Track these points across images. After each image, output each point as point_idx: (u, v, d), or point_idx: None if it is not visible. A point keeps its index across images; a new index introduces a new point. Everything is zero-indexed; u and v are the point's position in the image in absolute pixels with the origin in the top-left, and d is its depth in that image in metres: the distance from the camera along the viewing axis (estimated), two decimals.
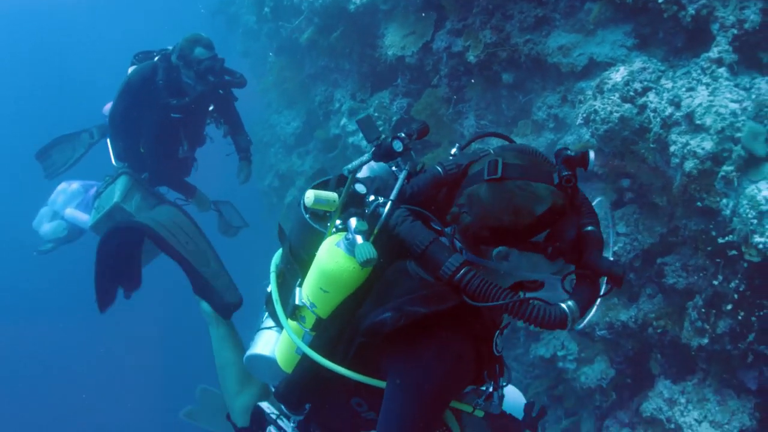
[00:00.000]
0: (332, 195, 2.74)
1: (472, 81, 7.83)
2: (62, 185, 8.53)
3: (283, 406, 3.34)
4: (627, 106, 5.89)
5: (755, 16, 5.42)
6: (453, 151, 2.90)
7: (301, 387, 3.04)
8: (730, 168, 5.24)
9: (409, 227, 2.52)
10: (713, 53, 5.64)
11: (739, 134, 5.23)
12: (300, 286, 2.84)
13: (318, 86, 11.14)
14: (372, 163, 3.17)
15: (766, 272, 5.24)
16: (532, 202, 2.34)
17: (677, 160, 5.50)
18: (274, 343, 3.24)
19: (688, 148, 5.41)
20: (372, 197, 2.69)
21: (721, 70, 5.59)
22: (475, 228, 2.44)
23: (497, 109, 7.84)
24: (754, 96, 5.33)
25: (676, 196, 5.66)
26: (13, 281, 20.88)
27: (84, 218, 8.05)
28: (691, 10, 5.72)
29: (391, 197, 2.64)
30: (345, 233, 2.62)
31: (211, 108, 7.83)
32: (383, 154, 2.86)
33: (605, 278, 2.52)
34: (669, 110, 5.66)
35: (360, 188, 2.73)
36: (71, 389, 20.81)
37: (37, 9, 28.52)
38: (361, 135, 9.06)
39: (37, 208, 8.81)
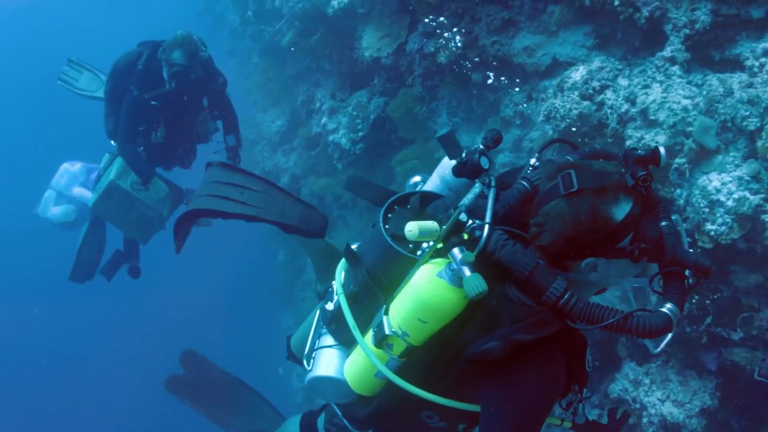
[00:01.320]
0: (434, 226, 2.52)
1: (445, 80, 7.91)
2: (65, 165, 8.59)
3: (346, 422, 3.31)
4: (586, 103, 6.03)
5: (705, 17, 5.55)
6: (532, 161, 2.78)
7: (382, 411, 2.97)
8: (683, 160, 5.37)
9: (510, 252, 2.40)
10: (667, 52, 5.76)
11: (690, 128, 5.36)
12: (387, 313, 2.65)
13: (300, 86, 11.22)
14: (439, 176, 3.18)
15: (718, 258, 5.35)
16: (612, 208, 2.31)
17: (641, 152, 5.61)
18: (337, 363, 3.10)
19: (643, 142, 5.55)
20: (469, 221, 2.51)
21: (675, 68, 5.71)
22: (560, 245, 2.38)
23: (468, 107, 7.96)
24: (705, 92, 5.45)
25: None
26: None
27: (89, 198, 8.09)
28: (645, 12, 5.85)
29: (487, 220, 2.48)
30: (447, 263, 2.45)
31: (206, 104, 7.88)
32: (469, 171, 2.73)
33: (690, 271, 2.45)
34: (625, 107, 5.80)
35: (463, 217, 2.51)
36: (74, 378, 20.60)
37: (24, 7, 28.28)
38: (341, 132, 9.18)
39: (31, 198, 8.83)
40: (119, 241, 8.55)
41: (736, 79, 5.37)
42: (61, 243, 9.79)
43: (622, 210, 2.30)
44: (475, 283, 2.30)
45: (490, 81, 7.26)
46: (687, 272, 2.44)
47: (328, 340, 3.16)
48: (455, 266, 2.39)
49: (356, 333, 2.81)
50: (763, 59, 5.27)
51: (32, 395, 20.46)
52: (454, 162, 2.84)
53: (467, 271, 2.34)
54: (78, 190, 8.59)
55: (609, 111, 5.92)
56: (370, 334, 2.74)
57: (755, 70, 5.29)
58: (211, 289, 21.03)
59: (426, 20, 7.82)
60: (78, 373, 20.57)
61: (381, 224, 2.86)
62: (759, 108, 5.12)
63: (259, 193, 3.72)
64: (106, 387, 20.24)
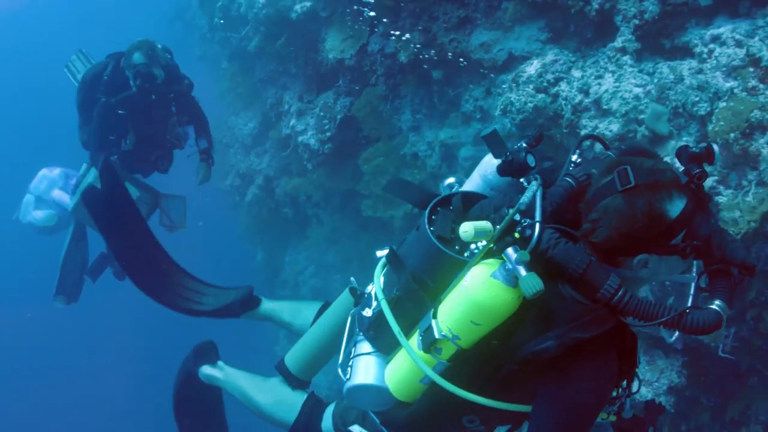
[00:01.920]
0: (488, 226, 2.47)
1: (407, 78, 7.89)
2: (43, 171, 8.58)
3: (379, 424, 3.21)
4: (541, 96, 6.02)
5: (654, 7, 5.54)
6: (574, 158, 2.73)
7: (422, 415, 2.90)
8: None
9: (563, 250, 2.36)
10: (617, 43, 5.76)
11: (642, 116, 5.36)
12: (435, 317, 2.59)
13: (269, 89, 11.16)
14: (480, 176, 3.16)
15: None
16: (667, 205, 2.27)
17: (588, 143, 5.61)
18: (377, 370, 3.02)
19: (598, 131, 5.56)
20: (517, 214, 2.45)
21: (626, 58, 5.71)
22: (614, 240, 2.35)
23: (430, 104, 7.94)
24: (656, 80, 5.44)
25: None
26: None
27: (69, 203, 8.12)
28: (595, 5, 5.85)
29: (537, 218, 2.42)
30: (500, 263, 2.40)
31: (174, 110, 7.84)
32: (516, 169, 2.71)
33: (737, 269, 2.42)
34: (579, 97, 5.80)
35: (516, 216, 2.45)
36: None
37: None
38: (310, 133, 9.13)
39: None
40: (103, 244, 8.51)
41: (686, 66, 5.38)
42: (41, 248, 9.74)
43: (676, 207, 2.28)
44: (532, 282, 2.26)
45: (463, 64, 7.20)
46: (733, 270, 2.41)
47: (365, 347, 3.09)
48: (510, 266, 2.35)
49: (402, 338, 2.77)
50: (711, 45, 5.27)
51: (21, 401, 20.29)
52: (494, 161, 2.85)
53: (523, 271, 2.30)
54: (57, 194, 8.54)
55: (564, 102, 5.92)
56: (415, 338, 2.71)
57: (704, 56, 5.29)
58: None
59: (385, 20, 7.79)
60: (65, 378, 20.41)
61: (426, 226, 2.81)
62: (708, 93, 5.14)
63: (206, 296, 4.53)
64: (93, 391, 20.12)
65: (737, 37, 5.13)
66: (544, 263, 2.38)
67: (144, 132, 7.66)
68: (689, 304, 2.42)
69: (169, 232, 8.43)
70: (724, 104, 5.00)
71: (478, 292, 2.41)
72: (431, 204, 2.95)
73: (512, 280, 2.35)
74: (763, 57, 4.93)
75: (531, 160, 2.69)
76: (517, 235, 2.42)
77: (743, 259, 2.37)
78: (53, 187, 8.57)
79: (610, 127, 5.47)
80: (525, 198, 2.45)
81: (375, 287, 3.05)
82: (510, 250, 2.35)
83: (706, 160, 2.44)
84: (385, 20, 7.78)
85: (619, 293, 2.28)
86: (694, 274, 2.56)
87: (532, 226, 2.40)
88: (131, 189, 7.56)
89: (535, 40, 6.54)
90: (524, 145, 2.78)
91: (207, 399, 4.78)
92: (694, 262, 2.54)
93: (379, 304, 2.95)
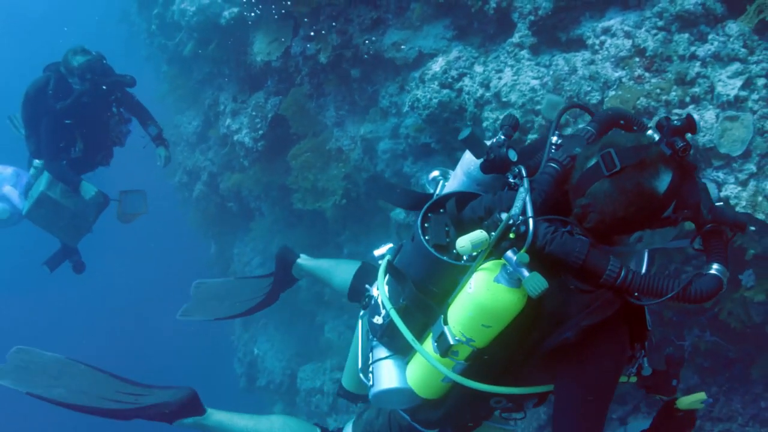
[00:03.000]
0: (483, 236, 2.40)
1: (329, 77, 7.87)
2: None
3: (417, 425, 3.18)
4: (445, 91, 6.05)
5: (547, 3, 5.55)
6: (554, 139, 2.64)
7: (456, 410, 2.92)
8: (535, 136, 5.40)
9: (560, 243, 2.32)
10: (515, 38, 5.80)
11: (538, 107, 5.37)
12: (446, 323, 2.55)
13: (206, 90, 11.11)
14: (464, 172, 3.05)
15: None
16: (655, 181, 2.24)
17: (490, 134, 5.63)
18: (398, 372, 2.98)
19: (498, 122, 5.52)
20: (510, 220, 2.39)
21: (523, 52, 5.74)
22: (608, 223, 2.32)
23: (351, 100, 7.94)
24: (552, 72, 5.47)
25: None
26: None
27: (18, 200, 8.03)
28: (492, 4, 5.88)
29: (529, 214, 2.38)
30: (502, 266, 2.36)
31: (115, 110, 7.82)
32: (499, 166, 2.65)
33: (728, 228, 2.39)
34: (480, 91, 5.82)
35: (511, 219, 2.40)
36: None
37: None
38: (244, 132, 9.07)
39: None
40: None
41: (579, 58, 5.41)
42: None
43: (664, 182, 2.24)
44: (535, 282, 2.24)
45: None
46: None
47: (382, 351, 3.05)
48: (511, 269, 2.32)
49: (417, 345, 2.73)
50: (603, 37, 5.30)
51: None
52: (476, 158, 2.79)
53: (525, 272, 2.27)
54: (8, 189, 8.36)
55: (467, 96, 5.94)
56: (429, 342, 2.66)
57: (596, 48, 5.33)
58: (150, 280, 20.74)
59: (306, 25, 7.78)
60: None
61: (421, 237, 2.75)
62: (599, 83, 5.17)
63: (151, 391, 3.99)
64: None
65: (626, 28, 5.15)
66: (545, 257, 2.34)
67: (90, 138, 7.65)
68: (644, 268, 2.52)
69: (127, 222, 8.43)
70: (613, 93, 5.03)
71: (484, 297, 2.38)
72: (421, 213, 2.88)
73: (515, 281, 2.33)
74: (648, 47, 4.96)
75: (512, 155, 2.64)
76: (512, 235, 2.38)
77: (734, 218, 2.35)
78: (4, 184, 8.40)
79: None
80: (516, 208, 2.39)
81: (381, 296, 2.99)
82: (510, 253, 2.32)
83: (689, 130, 2.35)
84: (306, 20, 7.75)
85: (622, 275, 2.27)
86: (687, 240, 2.49)
87: (526, 223, 2.36)
88: (88, 187, 7.59)
89: (441, 38, 6.53)
90: (502, 138, 2.71)
91: None
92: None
93: (388, 313, 2.90)
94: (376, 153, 7.45)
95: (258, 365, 11.79)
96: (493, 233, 2.39)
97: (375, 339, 3.12)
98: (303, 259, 4.79)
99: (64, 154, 7.55)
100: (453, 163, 6.30)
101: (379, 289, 3.03)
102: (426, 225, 2.84)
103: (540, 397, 2.84)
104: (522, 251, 2.31)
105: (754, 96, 4.59)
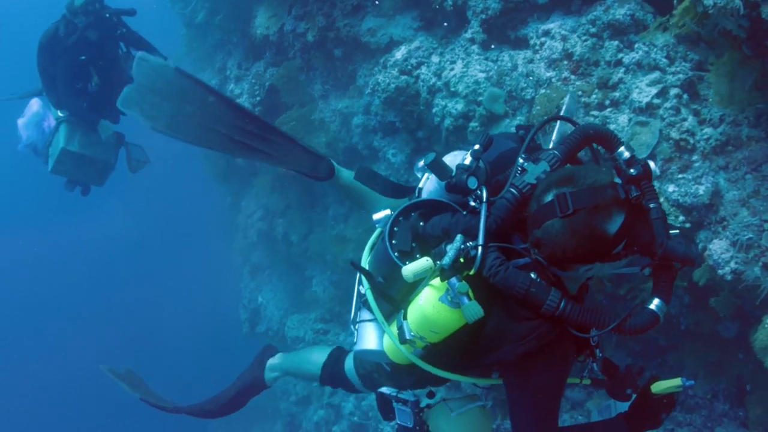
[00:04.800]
0: (427, 264, 2.45)
1: (316, 55, 8.07)
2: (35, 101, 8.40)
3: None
4: (404, 77, 6.23)
5: (496, 5, 5.75)
6: (520, 161, 2.53)
7: (423, 379, 3.04)
8: (476, 124, 5.60)
9: (503, 277, 2.34)
10: (468, 34, 6.00)
11: (481, 98, 5.55)
12: (405, 319, 2.60)
13: (218, 54, 11.28)
14: (437, 181, 2.95)
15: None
16: (607, 224, 2.18)
17: (438, 119, 5.84)
18: (377, 336, 3.04)
19: (446, 109, 5.78)
20: (461, 246, 2.41)
21: (474, 47, 5.91)
22: (558, 257, 2.28)
23: (335, 77, 8.14)
24: (497, 67, 5.63)
25: (444, 144, 6.01)
26: None
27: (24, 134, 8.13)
28: (449, 1, 6.05)
29: (480, 242, 2.39)
30: (447, 289, 2.39)
31: (124, 50, 8.03)
32: (460, 191, 2.60)
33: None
34: (433, 80, 6.02)
35: (463, 245, 2.41)
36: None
37: None
38: (244, 97, 9.36)
39: None
40: None
41: (522, 56, 5.59)
42: None
43: (615, 224, 2.19)
44: (472, 311, 2.32)
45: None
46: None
47: (366, 314, 3.11)
48: (452, 293, 2.36)
49: (385, 327, 2.80)
50: (543, 39, 5.46)
51: None
52: (441, 181, 2.75)
53: (465, 299, 2.33)
54: (21, 122, 8.38)
55: (421, 84, 6.13)
56: (395, 327, 2.73)
57: (537, 48, 5.49)
58: (168, 220, 20.71)
59: (298, 5, 8.04)
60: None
61: (387, 242, 2.77)
62: (533, 80, 5.34)
63: (278, 144, 3.84)
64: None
65: (563, 32, 5.32)
66: (490, 284, 2.38)
67: (104, 71, 7.82)
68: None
69: (135, 171, 8.68)
70: (544, 91, 5.22)
71: (429, 312, 2.45)
72: (392, 217, 2.88)
73: (456, 304, 2.37)
74: (575, 52, 5.14)
75: (472, 183, 2.57)
76: (462, 259, 2.40)
77: (684, 254, 2.34)
78: (45, 119, 8.57)
79: (456, 107, 5.71)
80: (447, 258, 2.38)
81: (361, 274, 3.02)
82: (453, 280, 2.36)
83: (645, 179, 2.36)
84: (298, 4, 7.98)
85: (561, 307, 2.29)
86: (637, 267, 2.49)
87: (476, 248, 2.38)
88: (105, 125, 7.97)
89: (409, 27, 6.73)
90: (467, 163, 2.63)
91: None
92: None
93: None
94: (351, 127, 7.67)
95: (261, 312, 11.94)
96: (438, 262, 2.43)
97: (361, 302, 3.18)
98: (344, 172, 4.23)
99: (83, 95, 7.77)
100: (414, 140, 6.53)
101: (363, 262, 3.12)
102: (395, 229, 2.85)
103: None
104: (462, 281, 2.35)
105: (666, 104, 4.76)
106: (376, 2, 7.01)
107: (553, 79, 5.21)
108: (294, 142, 3.92)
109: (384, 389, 3.33)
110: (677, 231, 2.45)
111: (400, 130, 6.79)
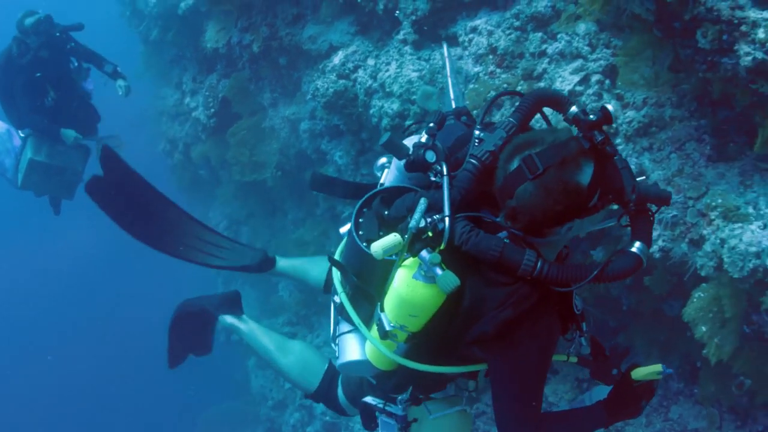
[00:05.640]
0: (396, 240, 2.31)
1: (263, 64, 8.12)
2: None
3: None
4: (342, 81, 6.28)
5: (424, 5, 5.77)
6: (477, 133, 2.46)
7: (407, 381, 2.91)
8: (410, 122, 5.56)
9: (475, 242, 2.24)
10: (401, 35, 6.04)
11: (414, 97, 5.57)
12: (383, 311, 2.49)
13: (175, 70, 11.28)
14: (396, 167, 2.91)
15: None
16: (578, 176, 2.13)
17: (376, 119, 5.85)
18: (359, 345, 2.89)
19: (383, 110, 5.81)
20: (428, 219, 2.29)
21: (407, 47, 5.96)
22: (537, 221, 2.21)
23: (282, 85, 8.18)
24: (429, 66, 5.66)
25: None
26: None
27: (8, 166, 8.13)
28: (380, 5, 6.10)
29: (446, 213, 2.29)
30: (419, 264, 2.29)
31: (76, 64, 8.05)
32: (419, 167, 2.49)
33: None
34: (369, 82, 6.08)
35: (422, 223, 2.29)
36: None
37: None
38: (200, 110, 9.31)
39: None
40: None
41: (452, 53, 5.57)
42: None
43: (586, 174, 2.15)
44: (447, 281, 2.20)
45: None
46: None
47: (345, 326, 2.98)
48: (425, 267, 2.26)
49: (362, 329, 2.69)
50: (471, 35, 5.50)
51: None
52: (399, 161, 2.65)
53: (439, 270, 2.23)
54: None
55: (359, 86, 6.18)
56: (375, 330, 2.60)
57: (466, 44, 5.53)
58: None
59: (243, 17, 8.09)
60: None
61: (354, 233, 2.70)
62: (463, 77, 5.37)
63: (224, 249, 4.00)
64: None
65: (489, 27, 5.37)
66: (464, 253, 2.29)
67: (59, 85, 7.87)
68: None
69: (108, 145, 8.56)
70: (472, 86, 5.24)
71: (405, 292, 2.33)
72: (355, 210, 2.79)
73: (431, 278, 2.27)
74: (500, 46, 5.19)
75: (430, 156, 2.45)
76: (430, 233, 2.30)
77: (657, 194, 2.31)
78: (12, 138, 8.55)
79: (392, 107, 5.76)
80: (414, 221, 2.28)
81: (334, 279, 2.91)
82: (424, 253, 2.25)
83: (605, 122, 2.23)
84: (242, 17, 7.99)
85: (538, 266, 2.21)
86: (614, 218, 2.40)
87: (443, 220, 2.29)
88: (68, 132, 7.79)
89: (346, 33, 6.78)
90: (423, 140, 2.52)
91: (206, 329, 4.37)
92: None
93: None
94: (299, 132, 7.70)
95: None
96: (406, 236, 2.31)
97: (339, 315, 3.04)
98: (280, 261, 4.48)
99: (42, 110, 7.76)
100: (359, 142, 6.54)
101: (333, 276, 2.94)
102: (360, 220, 2.77)
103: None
104: (435, 252, 2.26)
105: (589, 91, 4.80)
106: (321, 9, 7.08)
107: (481, 74, 5.24)
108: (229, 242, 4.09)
109: (369, 399, 3.21)
110: (643, 178, 2.42)
111: (345, 133, 6.83)
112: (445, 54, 3.74)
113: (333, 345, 3.08)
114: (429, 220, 2.28)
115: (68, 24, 7.85)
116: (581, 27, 4.95)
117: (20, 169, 7.90)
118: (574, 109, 2.43)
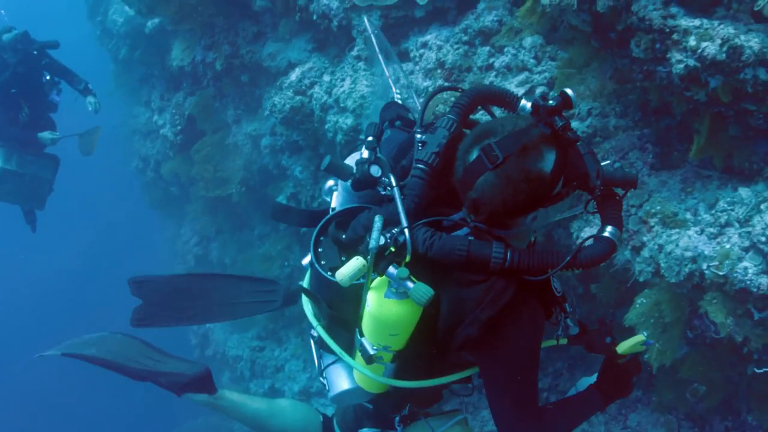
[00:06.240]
0: (359, 263, 2.17)
1: (225, 81, 8.11)
2: None
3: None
4: (299, 98, 6.34)
5: (376, 22, 5.79)
6: (418, 137, 2.32)
7: (404, 399, 2.84)
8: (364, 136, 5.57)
9: (440, 246, 2.11)
10: (354, 51, 6.04)
11: (368, 111, 5.57)
12: (362, 336, 2.36)
13: (144, 88, 11.29)
14: (343, 188, 2.77)
15: None
16: (540, 164, 2.01)
17: (331, 134, 5.85)
18: (347, 374, 2.75)
19: (338, 124, 5.83)
20: (387, 235, 2.13)
21: (360, 63, 6.01)
22: (501, 212, 2.08)
23: (245, 102, 8.22)
24: (382, 81, 5.63)
25: (340, 159, 6.00)
26: None
27: None
28: (335, 23, 6.10)
29: (404, 225, 2.13)
30: (388, 282, 2.14)
31: (48, 78, 7.97)
32: (365, 184, 2.36)
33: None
34: (325, 98, 6.09)
35: (381, 241, 2.12)
36: None
37: None
38: (167, 127, 9.29)
39: None
40: None
41: (404, 68, 5.57)
42: None
43: (548, 161, 2.02)
44: (420, 293, 2.06)
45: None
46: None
47: (329, 358, 2.83)
48: (395, 284, 2.12)
49: (345, 357, 2.59)
50: (422, 50, 5.52)
51: None
52: (344, 181, 2.55)
53: (410, 284, 2.08)
54: None
55: (315, 102, 6.22)
56: (358, 355, 2.49)
57: (417, 59, 5.55)
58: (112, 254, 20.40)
59: (205, 36, 8.05)
60: None
61: (316, 264, 2.57)
62: (413, 90, 5.32)
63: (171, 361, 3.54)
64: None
65: (438, 42, 5.39)
66: (430, 260, 2.15)
67: (32, 100, 7.86)
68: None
69: (89, 153, 8.80)
70: (421, 100, 5.20)
71: (380, 313, 2.20)
72: (312, 241, 2.66)
73: (403, 294, 2.13)
74: (447, 60, 5.20)
75: (375, 171, 2.33)
76: (392, 248, 2.15)
77: (623, 177, 2.22)
78: None
79: (346, 122, 5.78)
80: (373, 241, 2.12)
81: (308, 314, 2.78)
82: (391, 269, 2.11)
83: (565, 108, 2.07)
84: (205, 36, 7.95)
85: (508, 258, 2.07)
86: (581, 206, 2.32)
87: (402, 232, 2.14)
88: (43, 135, 7.82)
89: (304, 50, 6.83)
90: (365, 155, 2.39)
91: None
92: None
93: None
94: (261, 148, 7.69)
95: (209, 337, 11.86)
96: (368, 258, 2.16)
97: (320, 348, 2.94)
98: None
99: (15, 123, 7.77)
100: (317, 156, 6.53)
101: (305, 310, 2.82)
102: (320, 249, 2.66)
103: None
104: (402, 266, 2.12)
105: None
106: (280, 27, 7.10)
107: (429, 88, 5.26)
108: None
109: (366, 431, 3.15)
110: (608, 162, 2.35)
111: (304, 148, 6.86)
112: (368, 27, 3.59)
113: (321, 379, 2.96)
114: (388, 235, 2.14)
115: (44, 41, 7.85)
116: (528, 40, 4.98)
117: None
118: (524, 103, 2.33)
